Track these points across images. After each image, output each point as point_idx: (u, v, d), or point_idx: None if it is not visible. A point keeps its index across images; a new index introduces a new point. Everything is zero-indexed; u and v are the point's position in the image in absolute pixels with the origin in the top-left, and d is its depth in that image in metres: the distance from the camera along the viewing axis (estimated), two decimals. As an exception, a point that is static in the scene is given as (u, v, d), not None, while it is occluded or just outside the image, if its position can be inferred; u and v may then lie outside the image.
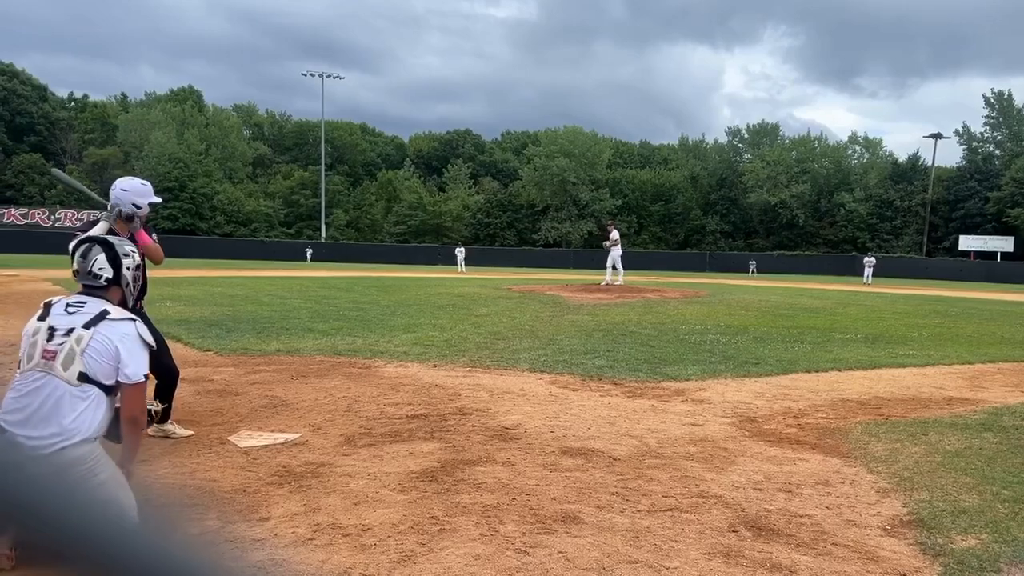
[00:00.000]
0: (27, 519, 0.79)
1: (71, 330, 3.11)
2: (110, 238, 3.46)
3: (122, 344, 3.14)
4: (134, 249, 3.52)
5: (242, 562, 3.37)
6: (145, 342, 3.23)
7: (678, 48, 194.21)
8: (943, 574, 3.50)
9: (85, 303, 3.22)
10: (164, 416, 5.44)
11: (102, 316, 3.17)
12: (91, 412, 3.08)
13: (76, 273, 3.32)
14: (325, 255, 62.68)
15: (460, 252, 49.64)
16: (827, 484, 4.81)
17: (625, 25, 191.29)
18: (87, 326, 3.13)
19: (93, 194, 5.69)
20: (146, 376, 3.25)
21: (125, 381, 3.14)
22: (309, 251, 62.48)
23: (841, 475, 5.01)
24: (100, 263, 3.30)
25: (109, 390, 3.15)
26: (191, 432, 5.60)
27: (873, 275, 44.48)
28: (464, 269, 46.97)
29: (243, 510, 4.09)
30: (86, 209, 62.59)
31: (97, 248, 3.31)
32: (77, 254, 3.32)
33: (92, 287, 3.31)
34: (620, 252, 23.61)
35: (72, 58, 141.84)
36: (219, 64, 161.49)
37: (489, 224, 76.76)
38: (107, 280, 3.31)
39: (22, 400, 3.06)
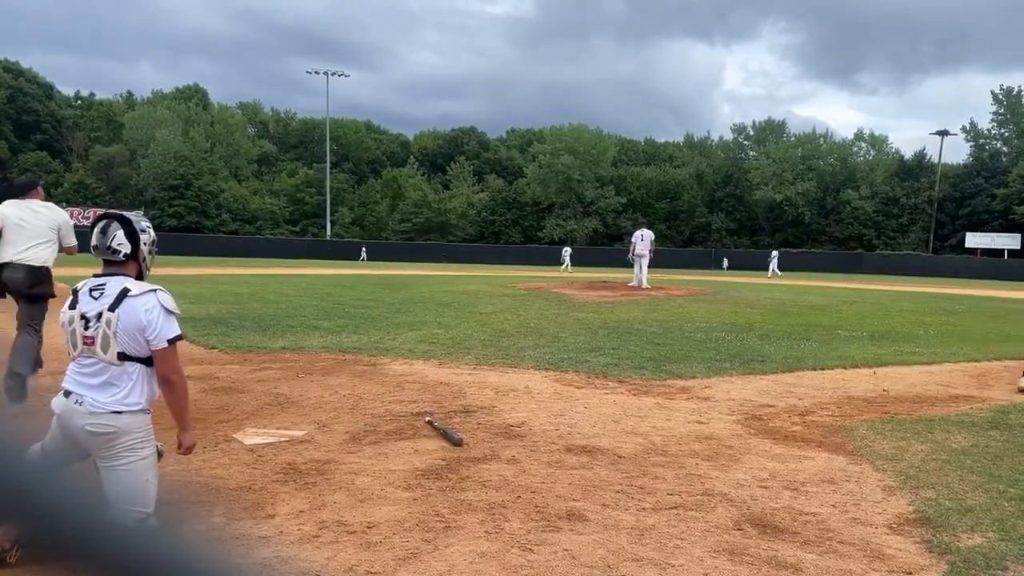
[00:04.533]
0: (33, 516, 0.80)
1: (100, 314, 3.27)
2: (127, 214, 3.53)
3: (145, 316, 3.28)
4: (150, 225, 3.62)
5: (248, 559, 3.39)
6: (168, 309, 3.35)
7: (676, 45, 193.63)
8: (949, 572, 3.49)
9: (106, 284, 3.36)
10: None
11: (124, 295, 3.31)
12: (139, 385, 3.29)
13: (95, 248, 3.40)
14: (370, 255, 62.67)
15: (567, 251, 49.55)
16: (833, 482, 4.80)
17: (622, 22, 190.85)
18: (112, 308, 3.28)
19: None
20: (176, 339, 3.36)
21: (152, 348, 3.31)
22: (364, 250, 62.40)
23: (847, 473, 5.00)
24: (119, 239, 3.41)
25: (149, 362, 3.33)
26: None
27: (779, 267, 46.18)
28: (569, 269, 46.38)
29: (249, 507, 4.10)
30: (91, 208, 62.79)
31: (116, 224, 3.42)
32: (96, 229, 3.40)
33: (111, 262, 3.43)
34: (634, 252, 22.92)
35: (71, 56, 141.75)
36: (218, 61, 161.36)
37: (494, 222, 76.69)
38: (125, 255, 3.43)
39: (86, 373, 3.29)
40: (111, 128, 74.35)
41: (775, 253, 48.41)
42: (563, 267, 47.37)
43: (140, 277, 3.54)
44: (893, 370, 9.35)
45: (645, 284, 22.19)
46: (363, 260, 58.75)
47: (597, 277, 29.37)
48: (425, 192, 76.89)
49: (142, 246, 3.49)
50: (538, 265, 55.72)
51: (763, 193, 71.90)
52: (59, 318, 3.42)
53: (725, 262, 60.70)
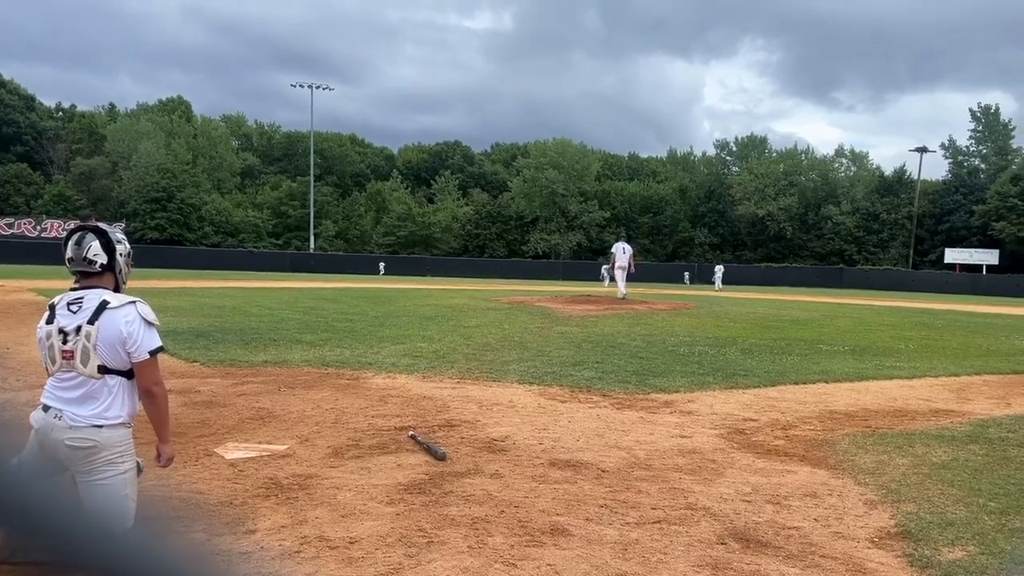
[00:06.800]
0: (15, 527, 0.79)
1: (79, 328, 3.23)
2: (103, 226, 3.50)
3: (126, 328, 3.25)
4: (125, 236, 3.59)
5: (230, 574, 3.35)
6: (148, 321, 3.32)
7: (655, 61, 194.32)
8: (930, 586, 3.51)
9: (83, 298, 3.31)
10: None
11: (103, 308, 3.26)
12: (120, 398, 3.26)
13: (70, 260, 3.36)
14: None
15: (720, 269, 49.56)
16: (815, 496, 4.82)
17: (602, 37, 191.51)
18: (91, 321, 3.24)
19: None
20: (157, 350, 3.33)
21: (133, 360, 3.28)
22: (383, 265, 62.01)
23: (829, 487, 5.03)
24: (95, 249, 3.36)
25: (129, 375, 3.30)
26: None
27: (723, 282, 47.93)
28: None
29: (229, 523, 4.06)
30: (72, 219, 62.27)
31: (91, 236, 3.38)
32: (71, 241, 3.36)
33: (86, 273, 3.38)
34: (615, 264, 23.32)
35: (52, 67, 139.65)
36: (196, 74, 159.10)
37: (478, 235, 76.77)
38: (101, 266, 3.38)
39: (65, 387, 3.24)
40: (93, 140, 73.75)
41: (720, 267, 49.79)
42: (604, 282, 47.46)
43: (117, 290, 3.50)
44: (874, 384, 9.42)
45: (623, 292, 22.72)
46: (382, 275, 58.47)
47: (581, 291, 29.41)
48: (409, 205, 76.78)
49: (118, 257, 3.46)
50: (522, 279, 55.75)
51: (745, 208, 72.46)
52: (36, 333, 3.36)
53: (687, 276, 60.79)
